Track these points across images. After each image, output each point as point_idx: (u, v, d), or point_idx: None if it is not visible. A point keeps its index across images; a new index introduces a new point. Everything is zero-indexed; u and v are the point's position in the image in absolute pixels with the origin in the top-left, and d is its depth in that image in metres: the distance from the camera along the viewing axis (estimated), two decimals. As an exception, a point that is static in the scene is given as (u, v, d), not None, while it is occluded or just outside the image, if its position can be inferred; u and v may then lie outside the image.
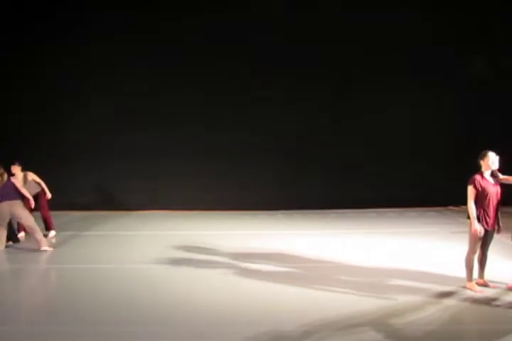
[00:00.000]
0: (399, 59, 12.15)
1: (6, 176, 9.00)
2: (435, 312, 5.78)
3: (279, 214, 12.08)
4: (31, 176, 9.85)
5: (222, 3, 12.18)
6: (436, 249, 8.55)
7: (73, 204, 12.30)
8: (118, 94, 12.40)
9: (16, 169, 9.78)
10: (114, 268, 7.74)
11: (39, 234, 8.87)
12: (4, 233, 8.93)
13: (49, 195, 9.93)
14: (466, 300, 6.14)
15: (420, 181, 12.03)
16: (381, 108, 12.18)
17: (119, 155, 12.35)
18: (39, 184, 9.89)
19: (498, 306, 5.91)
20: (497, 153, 6.40)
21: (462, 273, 6.51)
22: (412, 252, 8.40)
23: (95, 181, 12.45)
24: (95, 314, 5.89)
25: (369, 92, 12.29)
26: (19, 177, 9.68)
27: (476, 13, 11.97)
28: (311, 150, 12.42)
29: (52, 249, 8.86)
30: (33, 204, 9.18)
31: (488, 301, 6.06)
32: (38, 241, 8.79)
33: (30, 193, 9.41)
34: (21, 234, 9.75)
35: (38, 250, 8.72)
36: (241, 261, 8.02)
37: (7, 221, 8.92)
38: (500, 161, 6.48)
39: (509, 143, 10.75)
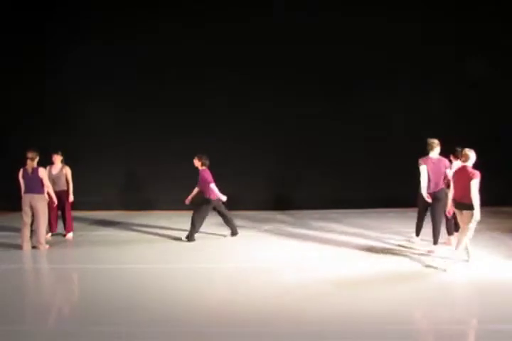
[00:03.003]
0: (399, 59, 12.14)
1: (35, 162, 8.74)
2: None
3: (279, 215, 12.07)
4: (67, 171, 9.72)
5: (221, 3, 12.19)
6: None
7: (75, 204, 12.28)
8: (122, 95, 12.41)
9: (57, 159, 9.68)
10: (114, 268, 7.73)
11: (43, 234, 8.82)
12: (28, 229, 8.75)
13: (71, 198, 9.78)
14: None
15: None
16: (381, 108, 12.15)
17: (121, 156, 12.36)
18: (68, 183, 9.73)
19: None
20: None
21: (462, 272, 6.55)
22: (411, 252, 8.38)
23: (97, 182, 12.41)
24: (95, 314, 5.89)
25: (369, 93, 12.25)
26: (57, 167, 9.61)
27: (476, 13, 11.99)
28: (311, 150, 12.40)
29: (48, 247, 8.86)
30: (55, 203, 9.02)
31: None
32: (38, 241, 8.78)
33: (59, 188, 9.39)
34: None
35: (36, 249, 8.74)
36: (241, 261, 8.02)
37: (29, 214, 8.70)
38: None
39: (509, 143, 10.81)
